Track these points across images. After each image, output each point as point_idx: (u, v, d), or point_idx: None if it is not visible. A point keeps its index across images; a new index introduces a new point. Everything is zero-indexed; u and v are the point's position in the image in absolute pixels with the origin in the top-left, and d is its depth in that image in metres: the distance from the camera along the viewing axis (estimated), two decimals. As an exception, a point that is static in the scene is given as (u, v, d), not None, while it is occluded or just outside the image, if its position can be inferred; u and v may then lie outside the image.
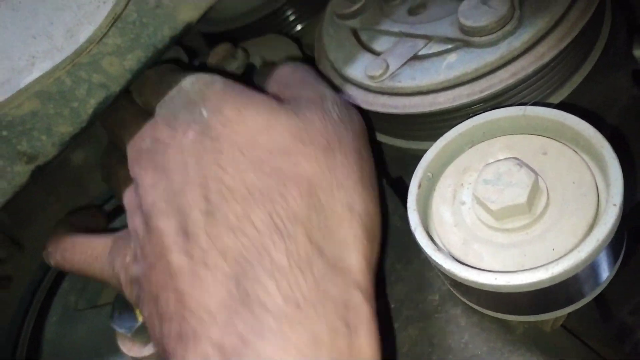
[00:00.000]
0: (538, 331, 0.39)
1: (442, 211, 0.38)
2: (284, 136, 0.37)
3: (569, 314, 0.41)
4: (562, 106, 0.39)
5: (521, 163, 0.35)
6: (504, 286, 0.32)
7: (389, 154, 0.53)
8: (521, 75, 0.40)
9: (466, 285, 0.35)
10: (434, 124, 0.44)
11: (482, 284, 0.32)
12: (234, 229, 0.34)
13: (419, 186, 0.38)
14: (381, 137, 0.51)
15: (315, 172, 0.36)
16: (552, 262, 0.31)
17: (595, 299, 0.37)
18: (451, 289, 0.39)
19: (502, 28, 0.40)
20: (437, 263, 0.34)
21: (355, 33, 0.52)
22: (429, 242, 0.35)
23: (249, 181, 0.35)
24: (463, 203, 0.38)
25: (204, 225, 0.34)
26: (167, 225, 0.35)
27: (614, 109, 0.48)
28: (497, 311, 0.37)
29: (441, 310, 0.41)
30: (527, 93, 0.42)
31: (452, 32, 0.43)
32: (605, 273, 0.34)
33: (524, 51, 0.40)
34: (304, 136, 0.37)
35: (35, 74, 0.33)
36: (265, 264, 0.33)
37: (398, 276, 0.43)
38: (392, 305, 0.42)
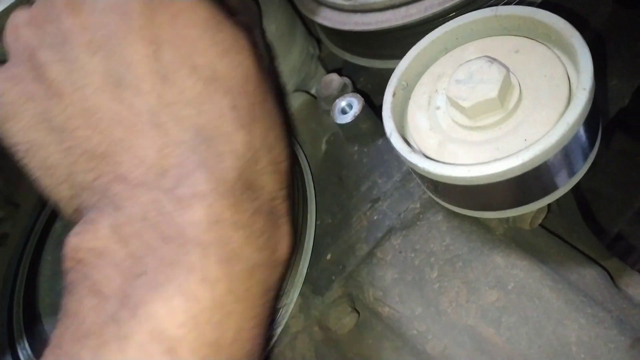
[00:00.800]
0: (518, 231, 0.40)
1: (417, 117, 0.38)
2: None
3: (550, 215, 0.42)
4: (544, 5, 0.38)
5: (492, 60, 0.35)
6: (478, 177, 0.32)
7: (370, 79, 0.53)
8: (492, -23, 0.40)
9: (443, 186, 0.35)
10: (408, 39, 0.44)
11: (455, 178, 0.33)
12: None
13: (394, 94, 0.38)
14: (360, 61, 0.51)
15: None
16: (523, 149, 0.31)
17: (578, 202, 0.38)
18: (431, 195, 0.40)
19: None
20: (412, 164, 0.35)
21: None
22: (404, 145, 0.36)
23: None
24: (438, 108, 0.38)
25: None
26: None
27: (595, 16, 0.48)
28: (475, 209, 0.37)
29: (423, 217, 0.42)
30: (500, -2, 0.42)
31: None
32: (579, 163, 0.35)
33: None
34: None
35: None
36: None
37: (380, 190, 0.44)
38: (375, 217, 0.43)
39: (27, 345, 0.51)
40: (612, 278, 0.38)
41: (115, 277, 0.29)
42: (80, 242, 0.31)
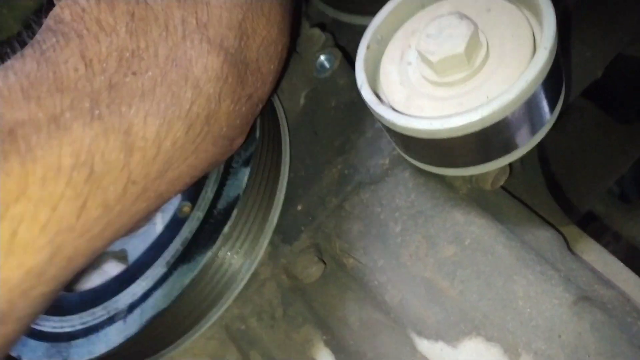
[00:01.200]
0: (480, 192, 0.41)
1: (389, 71, 0.39)
2: None
3: (514, 180, 0.43)
4: None
5: (462, 16, 0.35)
6: (439, 130, 0.33)
7: (354, 38, 0.53)
8: None
9: (409, 140, 0.36)
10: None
11: (418, 130, 0.34)
12: None
13: (367, 47, 0.39)
14: (343, 17, 0.51)
15: None
16: (483, 104, 0.32)
17: (543, 169, 0.39)
18: (399, 151, 0.41)
19: None
20: (379, 115, 0.36)
21: None
22: (373, 97, 0.36)
23: None
24: (409, 63, 0.38)
25: None
26: None
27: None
28: (439, 165, 0.38)
29: (391, 174, 0.43)
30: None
31: None
32: (540, 123, 0.35)
33: None
34: None
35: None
36: None
37: (352, 145, 0.45)
38: (346, 171, 0.44)
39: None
40: (567, 243, 0.39)
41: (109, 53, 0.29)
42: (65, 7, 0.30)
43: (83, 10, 0.30)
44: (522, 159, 0.45)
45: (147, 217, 0.33)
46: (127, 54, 0.30)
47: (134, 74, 0.29)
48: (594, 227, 0.68)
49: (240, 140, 0.38)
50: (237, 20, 0.34)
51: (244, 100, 0.35)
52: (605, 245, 0.43)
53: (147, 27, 0.31)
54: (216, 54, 0.32)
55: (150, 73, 0.30)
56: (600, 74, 0.48)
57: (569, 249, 0.39)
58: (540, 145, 0.40)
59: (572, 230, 0.42)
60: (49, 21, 0.30)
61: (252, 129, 0.43)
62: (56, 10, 0.30)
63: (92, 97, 0.28)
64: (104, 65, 0.29)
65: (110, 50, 0.29)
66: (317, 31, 0.48)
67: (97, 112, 0.28)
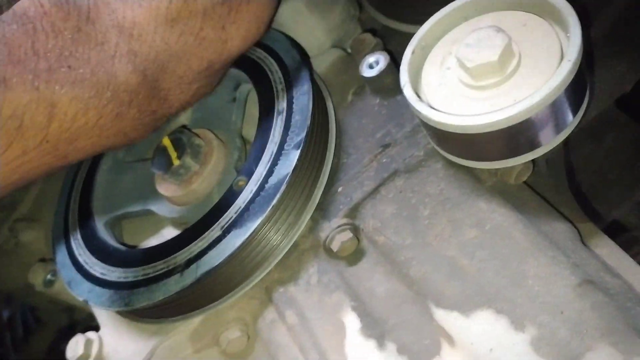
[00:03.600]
0: (504, 186, 0.46)
1: (430, 74, 0.44)
2: None
3: (538, 178, 0.48)
4: None
5: (499, 29, 0.40)
6: (470, 126, 0.38)
7: (401, 43, 0.59)
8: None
9: (443, 134, 0.41)
10: (435, 7, 0.49)
11: (451, 125, 0.39)
12: None
13: (413, 52, 0.44)
14: (393, 24, 0.57)
15: None
16: (510, 105, 0.37)
17: (567, 170, 0.43)
18: (434, 145, 0.46)
19: None
20: (417, 111, 0.41)
21: None
22: (414, 95, 0.42)
23: None
24: (448, 68, 0.44)
25: None
26: None
27: (612, 4, 0.52)
28: (468, 158, 0.43)
29: (424, 164, 0.48)
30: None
31: None
32: (563, 125, 0.40)
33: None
34: None
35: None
36: None
37: (392, 137, 0.51)
38: (384, 160, 0.50)
39: (79, 236, 0.61)
40: (580, 236, 0.44)
41: None
42: None
43: (44, 13, 0.38)
44: (548, 162, 0.50)
45: (51, 171, 0.42)
46: (67, 53, 0.38)
47: (69, 67, 0.38)
48: (621, 237, 0.70)
49: (137, 140, 0.46)
50: (162, 61, 0.43)
51: (148, 112, 0.44)
52: (634, 257, 0.47)
53: (87, 40, 0.39)
54: (136, 75, 0.41)
55: (81, 70, 0.39)
56: (629, 88, 0.52)
57: (582, 242, 0.43)
58: (568, 153, 0.44)
59: (588, 227, 0.46)
60: (16, 8, 0.39)
61: (306, 117, 0.49)
62: (24, 4, 0.39)
63: (34, 73, 0.37)
64: (48, 54, 0.38)
65: (54, 47, 0.38)
66: (368, 35, 0.54)
67: (36, 84, 0.37)
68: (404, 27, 0.56)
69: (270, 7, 0.48)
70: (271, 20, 0.50)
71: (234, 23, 0.45)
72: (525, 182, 0.46)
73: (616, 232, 0.68)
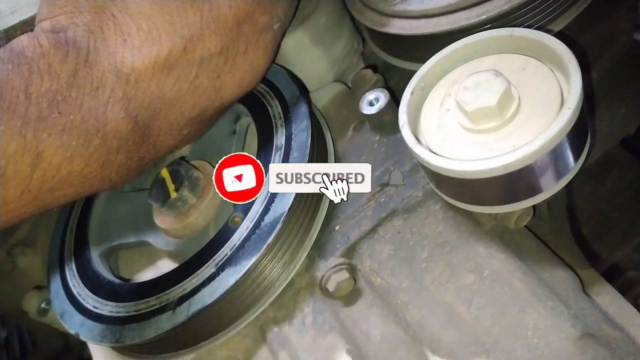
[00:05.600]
0: (504, 229, 0.45)
1: (429, 116, 0.44)
2: None
3: (540, 222, 0.47)
4: (560, 36, 0.42)
5: (498, 73, 0.40)
6: (467, 171, 0.38)
7: (402, 79, 0.59)
8: (515, 2, 0.44)
9: (441, 178, 0.41)
10: (436, 46, 0.49)
11: (449, 170, 0.38)
12: None
13: (412, 93, 0.44)
14: (394, 61, 0.57)
15: None
16: (509, 152, 0.36)
17: (569, 215, 0.42)
18: (433, 186, 0.46)
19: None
20: (415, 154, 0.40)
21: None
22: (412, 137, 0.41)
23: None
24: (448, 110, 0.43)
25: None
26: None
27: (613, 48, 0.52)
28: (467, 202, 0.43)
29: (423, 205, 0.47)
30: (523, 21, 0.46)
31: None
32: (565, 171, 0.39)
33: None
34: None
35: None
36: None
37: (390, 177, 0.50)
38: (382, 199, 0.49)
39: (74, 266, 0.60)
40: (582, 284, 0.43)
41: None
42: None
43: (42, 54, 0.37)
44: (549, 205, 0.49)
45: (28, 218, 0.41)
46: (59, 97, 0.37)
47: (59, 113, 0.37)
48: (620, 280, 0.69)
49: (120, 185, 0.45)
50: (154, 108, 0.42)
51: (136, 158, 0.43)
52: (635, 299, 0.46)
53: (82, 84, 0.38)
54: (126, 123, 0.40)
55: (72, 117, 0.37)
56: (634, 129, 0.51)
57: (584, 290, 0.42)
58: (570, 194, 0.43)
59: (590, 274, 0.45)
60: (14, 45, 0.38)
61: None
62: (23, 42, 0.38)
63: (23, 120, 0.35)
64: (40, 100, 0.36)
65: (47, 90, 0.37)
66: (369, 72, 0.54)
67: (24, 131, 0.35)
68: (405, 65, 0.55)
69: (267, 57, 0.48)
70: (267, 70, 0.49)
71: (229, 72, 0.44)
72: (525, 226, 0.45)
73: (617, 274, 0.67)
